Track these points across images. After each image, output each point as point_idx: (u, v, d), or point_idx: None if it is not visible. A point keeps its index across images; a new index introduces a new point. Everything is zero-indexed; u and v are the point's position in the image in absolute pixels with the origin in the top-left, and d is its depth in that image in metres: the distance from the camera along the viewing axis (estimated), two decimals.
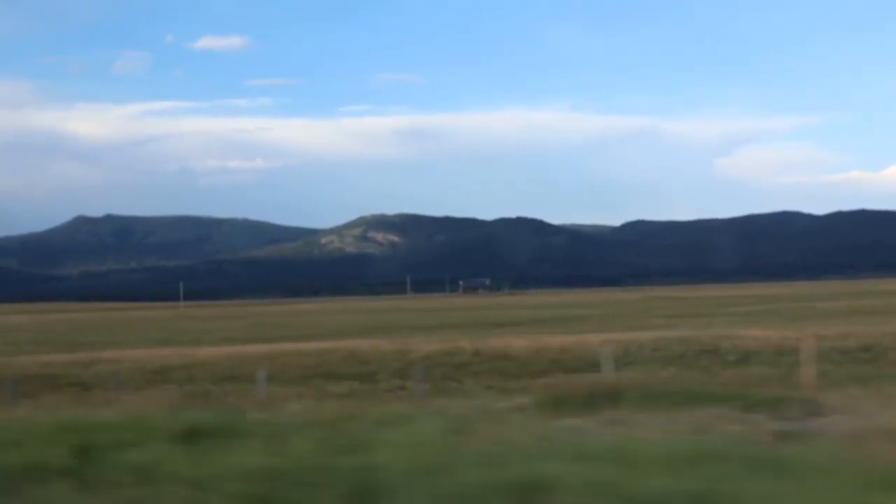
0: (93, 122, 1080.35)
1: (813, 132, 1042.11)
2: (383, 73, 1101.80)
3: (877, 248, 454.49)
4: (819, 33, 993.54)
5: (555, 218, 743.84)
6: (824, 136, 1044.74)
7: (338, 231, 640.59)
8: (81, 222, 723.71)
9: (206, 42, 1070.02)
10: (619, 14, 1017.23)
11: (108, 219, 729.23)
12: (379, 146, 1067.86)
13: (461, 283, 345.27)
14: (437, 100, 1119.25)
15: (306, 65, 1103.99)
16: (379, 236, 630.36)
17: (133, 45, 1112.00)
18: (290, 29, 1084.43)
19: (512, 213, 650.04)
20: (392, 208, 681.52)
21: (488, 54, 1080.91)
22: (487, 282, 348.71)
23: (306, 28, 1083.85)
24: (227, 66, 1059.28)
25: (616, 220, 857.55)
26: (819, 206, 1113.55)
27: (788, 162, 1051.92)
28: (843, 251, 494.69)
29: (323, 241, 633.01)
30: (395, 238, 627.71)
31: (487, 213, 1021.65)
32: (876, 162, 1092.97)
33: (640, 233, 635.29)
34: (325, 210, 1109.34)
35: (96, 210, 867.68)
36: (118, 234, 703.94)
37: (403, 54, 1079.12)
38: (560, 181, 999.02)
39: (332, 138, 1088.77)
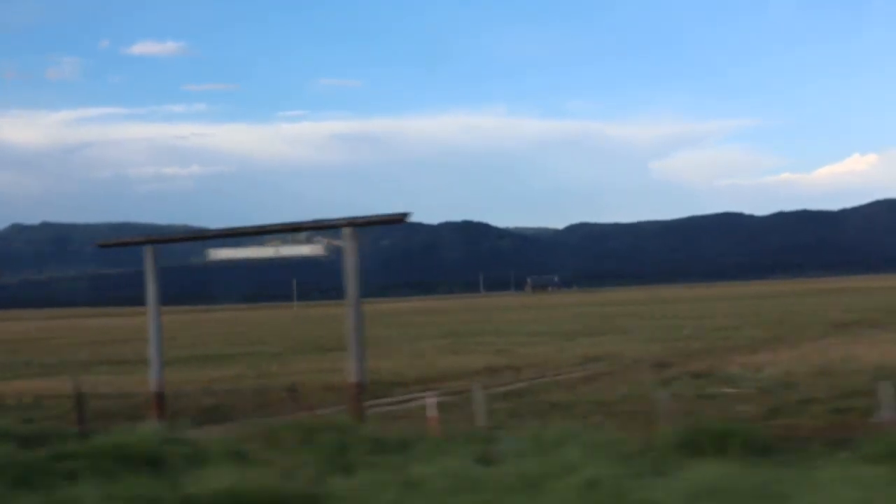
0: (25, 129, 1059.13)
1: (746, 136, 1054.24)
2: (321, 78, 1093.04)
3: (822, 248, 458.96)
4: (751, 40, 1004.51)
5: (499, 222, 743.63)
6: (757, 140, 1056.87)
7: (282, 237, 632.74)
8: (17, 230, 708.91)
9: (142, 47, 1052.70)
10: (555, 18, 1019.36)
11: (45, 226, 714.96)
12: (318, 151, 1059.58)
13: (529, 280, 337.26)
14: (376, 105, 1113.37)
15: (243, 70, 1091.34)
16: (324, 241, 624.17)
17: (67, 51, 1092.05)
18: (228, 33, 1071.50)
19: (456, 218, 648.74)
20: (335, 214, 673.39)
21: (427, 59, 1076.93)
22: (556, 279, 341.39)
23: (244, 33, 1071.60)
24: (163, 71, 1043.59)
25: (559, 223, 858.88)
26: (757, 208, 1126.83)
27: (723, 165, 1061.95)
28: (788, 251, 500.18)
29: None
30: (339, 242, 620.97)
31: (432, 217, 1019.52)
32: (807, 164, 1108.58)
33: (583, 235, 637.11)
34: (267, 216, 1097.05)
35: (32, 218, 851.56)
36: (56, 241, 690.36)
37: (341, 59, 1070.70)
38: (502, 185, 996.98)
39: (269, 144, 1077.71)
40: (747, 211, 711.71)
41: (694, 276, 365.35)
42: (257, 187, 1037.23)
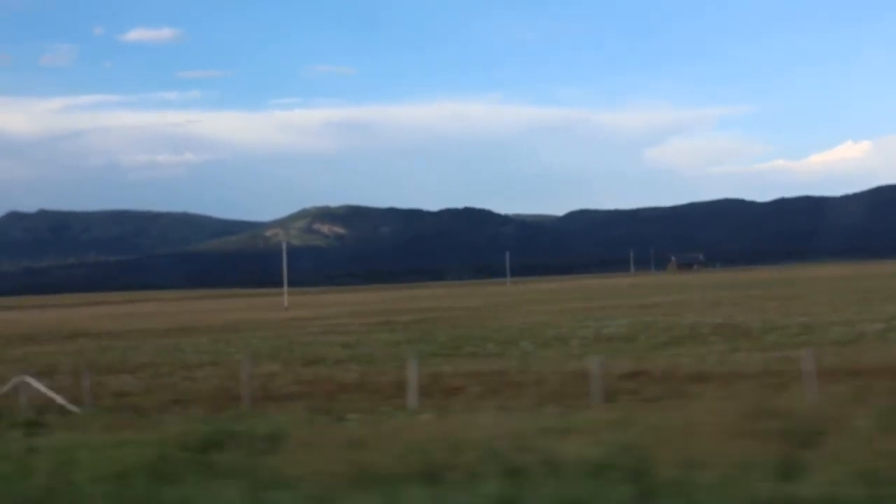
0: (19, 116, 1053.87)
1: (737, 122, 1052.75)
2: (313, 65, 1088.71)
3: (829, 234, 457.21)
4: (741, 27, 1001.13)
5: (499, 208, 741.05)
6: (748, 127, 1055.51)
7: (282, 223, 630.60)
8: (15, 218, 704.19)
9: (137, 34, 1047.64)
10: (547, 4, 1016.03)
11: (43, 214, 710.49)
12: (311, 138, 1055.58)
13: (673, 259, 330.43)
14: (369, 92, 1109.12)
15: (237, 57, 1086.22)
16: (325, 228, 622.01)
17: (62, 38, 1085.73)
18: (222, 20, 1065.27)
19: (457, 205, 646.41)
20: (333, 200, 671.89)
21: (419, 46, 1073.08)
22: (701, 257, 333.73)
23: (238, 19, 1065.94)
24: (157, 58, 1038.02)
25: (558, 209, 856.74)
26: (754, 194, 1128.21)
27: (715, 151, 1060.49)
28: (790, 237, 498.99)
29: (268, 233, 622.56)
30: (340, 230, 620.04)
31: (431, 204, 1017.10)
32: (798, 151, 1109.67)
33: (586, 222, 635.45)
34: (264, 203, 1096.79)
35: (29, 205, 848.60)
36: (53, 229, 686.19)
37: (334, 46, 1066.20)
38: (497, 172, 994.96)
39: (263, 131, 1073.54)
40: (747, 197, 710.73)
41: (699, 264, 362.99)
42: (251, 175, 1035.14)
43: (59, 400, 27.68)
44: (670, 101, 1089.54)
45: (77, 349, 59.32)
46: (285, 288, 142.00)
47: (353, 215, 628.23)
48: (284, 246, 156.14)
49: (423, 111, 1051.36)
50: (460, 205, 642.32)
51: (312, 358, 44.30)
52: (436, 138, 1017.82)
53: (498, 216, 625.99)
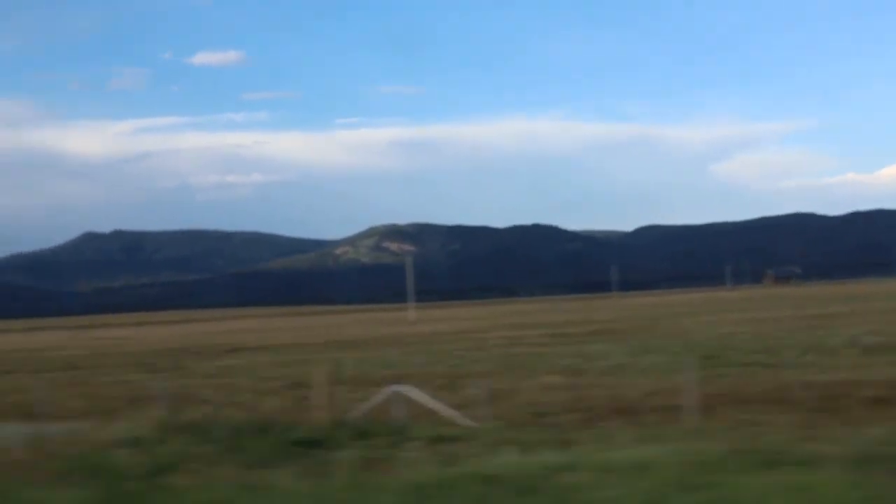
0: (92, 139, 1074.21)
1: (804, 137, 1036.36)
2: (378, 85, 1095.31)
3: None
4: (808, 41, 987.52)
5: (568, 224, 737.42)
6: (817, 140, 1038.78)
7: (351, 241, 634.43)
8: (89, 239, 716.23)
9: (203, 57, 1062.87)
10: (611, 21, 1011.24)
11: (117, 234, 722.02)
12: (377, 157, 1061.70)
13: (769, 272, 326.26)
14: (434, 110, 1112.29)
15: (301, 78, 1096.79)
16: (393, 246, 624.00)
17: (131, 62, 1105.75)
18: (287, 42, 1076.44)
19: (523, 221, 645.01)
20: (401, 218, 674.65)
21: (484, 64, 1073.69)
22: (798, 270, 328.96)
23: (302, 40, 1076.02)
24: (223, 80, 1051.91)
25: (625, 225, 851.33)
26: (826, 207, 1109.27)
27: (785, 166, 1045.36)
28: (867, 250, 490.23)
29: (337, 251, 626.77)
30: (409, 247, 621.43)
31: (498, 221, 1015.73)
32: (869, 164, 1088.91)
33: (655, 237, 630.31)
34: (332, 222, 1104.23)
35: (103, 226, 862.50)
36: (127, 249, 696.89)
37: (398, 66, 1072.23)
38: (563, 189, 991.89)
39: (329, 151, 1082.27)
40: (819, 211, 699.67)
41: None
42: (319, 194, 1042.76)
43: (448, 412, 24.47)
44: (737, 115, 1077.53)
45: (286, 361, 57.90)
46: (411, 302, 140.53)
47: (422, 233, 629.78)
48: (410, 261, 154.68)
49: (488, 129, 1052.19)
50: (528, 221, 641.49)
51: (573, 370, 41.17)
52: (502, 156, 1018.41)
53: (566, 232, 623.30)
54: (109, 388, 42.64)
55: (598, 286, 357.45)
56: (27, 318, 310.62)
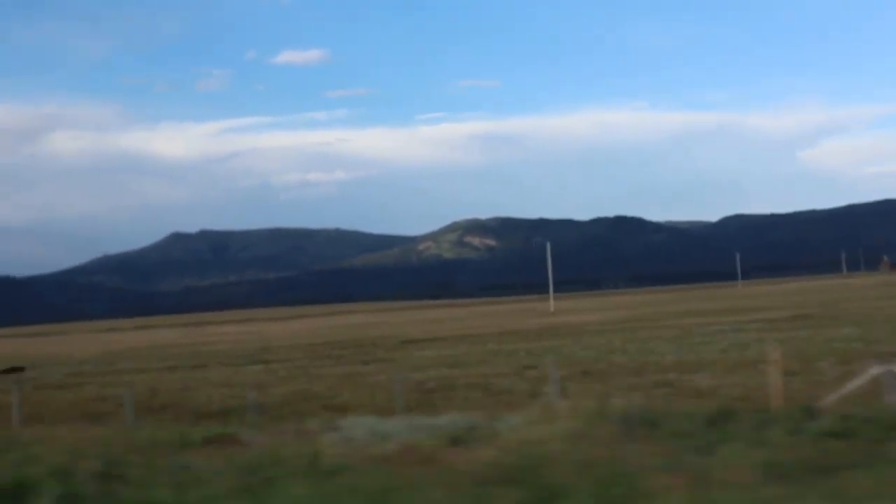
0: (178, 141, 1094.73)
1: (893, 121, 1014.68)
2: (458, 80, 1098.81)
3: None
4: (889, 24, 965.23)
5: (652, 216, 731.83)
6: None
7: (433, 237, 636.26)
8: (176, 238, 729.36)
9: (286, 57, 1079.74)
10: (692, 7, 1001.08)
11: (203, 234, 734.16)
12: (458, 152, 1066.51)
13: (885, 258, 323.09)
14: (514, 104, 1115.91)
15: (381, 75, 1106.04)
16: (476, 240, 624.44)
17: (216, 63, 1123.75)
18: (367, 40, 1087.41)
19: (605, 213, 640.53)
20: (482, 213, 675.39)
21: (562, 56, 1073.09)
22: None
23: (382, 38, 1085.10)
24: (306, 79, 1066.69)
25: (710, 215, 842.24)
26: None
27: (873, 151, 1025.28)
28: None
29: (420, 247, 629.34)
30: (491, 242, 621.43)
31: (581, 213, 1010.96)
32: None
33: (740, 227, 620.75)
34: (414, 217, 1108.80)
35: (190, 226, 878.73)
36: (214, 249, 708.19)
37: (477, 60, 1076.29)
38: (646, 179, 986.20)
39: (409, 147, 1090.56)
40: None
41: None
42: (400, 190, 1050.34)
43: None
44: (823, 100, 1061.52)
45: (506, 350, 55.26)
46: (551, 293, 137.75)
47: (504, 227, 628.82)
48: (549, 247, 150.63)
49: (568, 121, 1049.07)
50: (611, 213, 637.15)
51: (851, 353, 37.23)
52: (583, 147, 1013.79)
53: (650, 223, 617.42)
54: (357, 379, 39.66)
55: (686, 277, 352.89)
56: (121, 318, 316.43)
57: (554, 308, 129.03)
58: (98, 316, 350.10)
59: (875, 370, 20.71)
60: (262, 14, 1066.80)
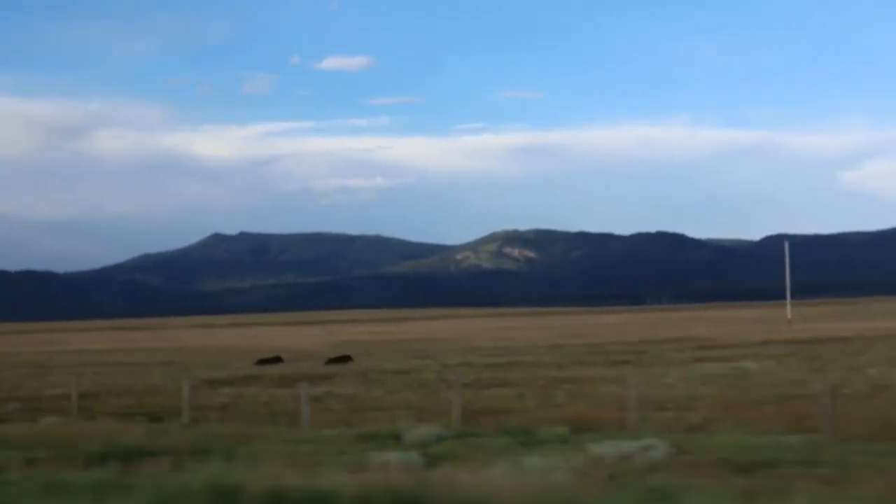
0: (221, 143, 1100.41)
1: None
2: (500, 90, 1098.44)
3: None
4: None
5: (693, 232, 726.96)
6: None
7: (472, 247, 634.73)
8: (217, 240, 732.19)
9: (332, 62, 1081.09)
10: (736, 25, 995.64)
11: (243, 236, 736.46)
12: (498, 163, 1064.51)
13: None
14: (555, 116, 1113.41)
15: (424, 84, 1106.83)
16: (515, 252, 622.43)
17: (261, 67, 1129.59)
18: (411, 48, 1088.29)
19: (646, 229, 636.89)
20: (521, 224, 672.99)
21: (604, 69, 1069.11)
22: None
23: (426, 47, 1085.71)
24: (349, 85, 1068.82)
25: (752, 234, 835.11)
26: None
27: None
28: None
29: (458, 256, 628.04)
30: (530, 253, 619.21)
31: (621, 228, 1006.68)
32: None
33: (782, 246, 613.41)
34: (453, 226, 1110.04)
35: (230, 228, 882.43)
36: (253, 251, 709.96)
37: (520, 71, 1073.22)
38: (688, 196, 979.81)
39: (450, 156, 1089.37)
40: None
41: None
42: (440, 198, 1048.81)
43: None
44: (867, 122, 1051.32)
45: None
46: (788, 301, 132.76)
47: (543, 239, 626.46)
48: (787, 246, 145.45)
49: (610, 135, 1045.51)
50: (652, 229, 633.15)
51: None
52: (624, 162, 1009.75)
53: (692, 240, 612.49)
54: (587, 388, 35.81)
55: (732, 295, 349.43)
56: (170, 316, 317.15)
57: (791, 316, 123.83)
58: (144, 313, 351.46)
59: None
60: (308, 19, 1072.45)
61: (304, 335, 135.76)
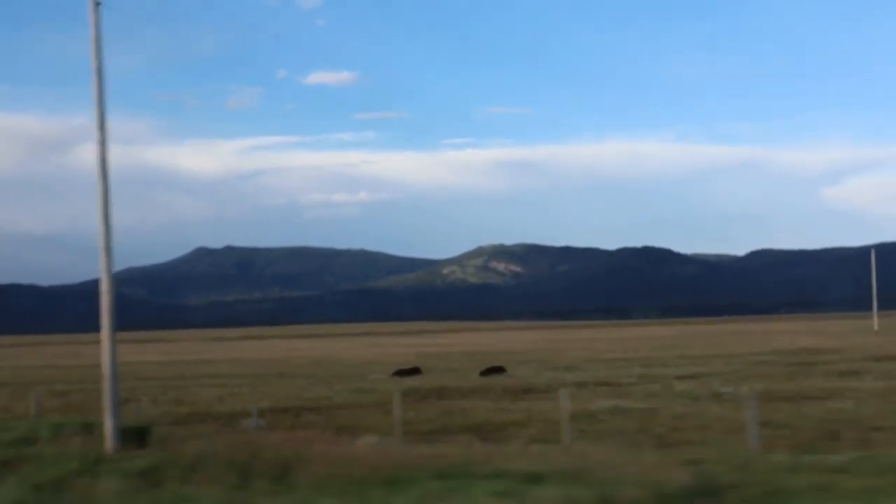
0: (207, 157, 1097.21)
1: None
2: (486, 106, 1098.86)
3: None
4: None
5: (679, 247, 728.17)
6: None
7: (458, 261, 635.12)
8: (202, 253, 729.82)
9: (317, 77, 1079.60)
10: (722, 41, 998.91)
11: (229, 250, 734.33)
12: (484, 178, 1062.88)
13: None
14: (541, 131, 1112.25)
15: (410, 99, 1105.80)
16: (501, 266, 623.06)
17: (247, 81, 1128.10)
18: (397, 63, 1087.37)
19: (632, 244, 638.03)
20: (508, 239, 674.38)
21: (590, 86, 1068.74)
22: None
23: (412, 62, 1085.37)
24: (335, 100, 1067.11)
25: (736, 249, 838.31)
26: None
27: None
28: None
29: (444, 271, 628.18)
30: (516, 268, 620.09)
31: (607, 243, 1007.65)
32: None
33: (768, 262, 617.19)
34: (439, 241, 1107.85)
35: (215, 242, 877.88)
36: (239, 265, 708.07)
37: (506, 87, 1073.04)
38: (674, 211, 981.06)
39: (436, 171, 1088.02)
40: None
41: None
42: (425, 213, 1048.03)
43: None
44: (850, 138, 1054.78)
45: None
46: (874, 311, 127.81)
47: (529, 253, 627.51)
48: (873, 254, 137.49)
49: (596, 150, 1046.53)
50: (638, 243, 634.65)
51: None
52: (610, 177, 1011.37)
53: (677, 255, 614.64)
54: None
55: (717, 310, 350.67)
56: (147, 330, 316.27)
57: (878, 326, 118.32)
58: (131, 327, 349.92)
59: None
60: (295, 34, 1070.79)
61: (355, 348, 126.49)
